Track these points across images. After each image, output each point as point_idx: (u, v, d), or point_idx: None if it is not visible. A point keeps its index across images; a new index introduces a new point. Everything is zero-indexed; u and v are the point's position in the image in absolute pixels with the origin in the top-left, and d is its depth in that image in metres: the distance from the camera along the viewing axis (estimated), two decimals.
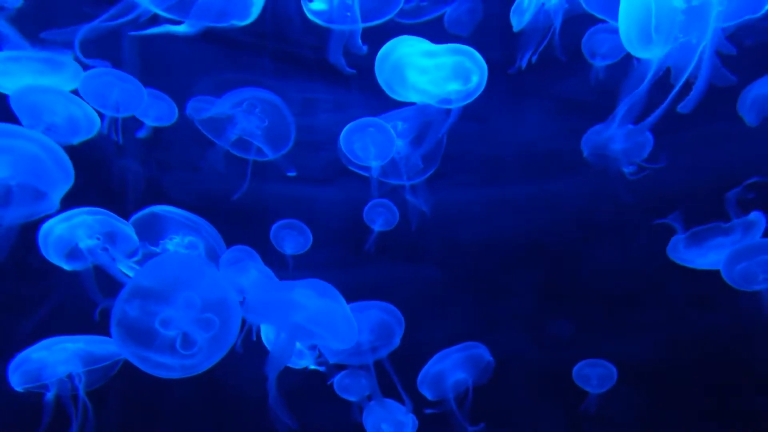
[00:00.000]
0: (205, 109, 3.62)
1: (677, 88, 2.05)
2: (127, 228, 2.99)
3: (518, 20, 3.39)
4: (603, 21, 3.59)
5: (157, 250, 2.95)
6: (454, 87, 2.59)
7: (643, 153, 3.31)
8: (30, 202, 2.27)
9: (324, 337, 2.67)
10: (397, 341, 3.08)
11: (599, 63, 3.59)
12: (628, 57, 3.50)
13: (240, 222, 3.60)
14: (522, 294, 4.00)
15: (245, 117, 3.57)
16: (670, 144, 3.33)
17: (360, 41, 2.95)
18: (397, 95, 2.68)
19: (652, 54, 2.09)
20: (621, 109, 2.19)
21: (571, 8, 3.35)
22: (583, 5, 2.45)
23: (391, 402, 3.26)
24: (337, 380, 3.67)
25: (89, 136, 2.66)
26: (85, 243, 2.82)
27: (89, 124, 2.53)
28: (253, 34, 3.84)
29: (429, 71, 2.56)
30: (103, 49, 2.69)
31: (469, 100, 2.65)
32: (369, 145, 3.20)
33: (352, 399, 3.70)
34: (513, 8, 3.42)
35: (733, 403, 3.74)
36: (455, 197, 3.88)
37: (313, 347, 3.21)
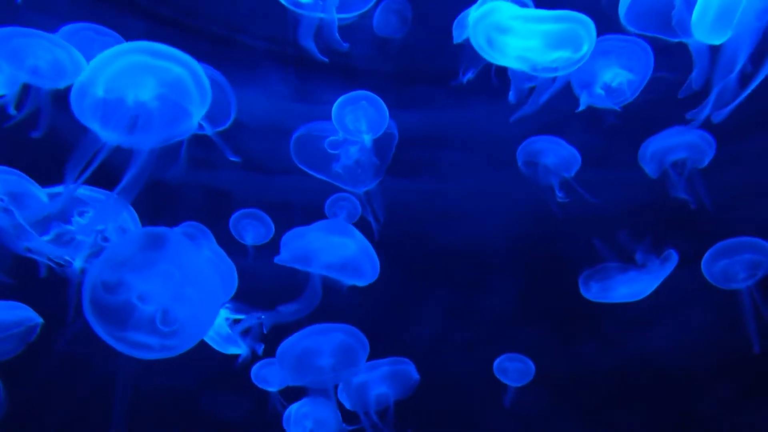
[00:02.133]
0: None
1: (759, 79, 2.14)
2: (37, 191, 2.79)
3: (458, 34, 3.52)
4: None
5: (72, 228, 2.77)
6: (561, 55, 2.44)
7: (571, 170, 3.55)
8: (171, 124, 2.15)
9: (346, 276, 2.66)
10: (361, 367, 3.05)
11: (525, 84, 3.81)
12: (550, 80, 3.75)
13: (203, 210, 3.45)
14: (494, 294, 4.14)
15: None
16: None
17: (337, 35, 2.94)
18: (493, 60, 2.52)
19: (718, 40, 2.14)
20: (712, 96, 2.27)
21: None
22: (623, 22, 2.54)
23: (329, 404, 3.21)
24: (255, 370, 3.61)
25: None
26: None
27: (75, 67, 2.36)
28: (275, 42, 3.73)
29: (532, 37, 2.41)
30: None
31: (573, 68, 2.51)
32: (361, 118, 3.18)
33: (269, 389, 3.66)
34: (456, 21, 3.55)
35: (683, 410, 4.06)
36: (420, 194, 3.95)
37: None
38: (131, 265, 2.09)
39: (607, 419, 4.06)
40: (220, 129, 3.52)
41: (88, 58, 2.49)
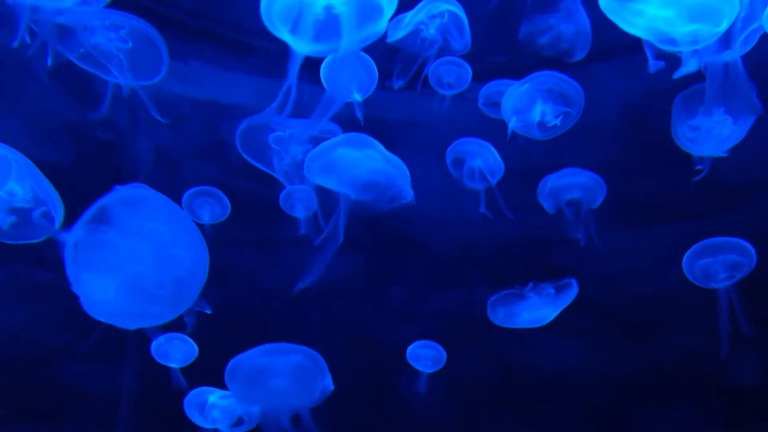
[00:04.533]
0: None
1: None
2: None
3: (393, 33, 3.53)
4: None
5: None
6: (698, 28, 2.30)
7: (494, 177, 3.69)
8: (364, 24, 2.01)
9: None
10: (316, 393, 2.78)
11: (446, 92, 3.87)
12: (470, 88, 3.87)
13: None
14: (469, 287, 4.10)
15: (103, 32, 3.10)
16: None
17: None
18: (620, 24, 2.35)
19: None
20: None
21: (446, 45, 3.61)
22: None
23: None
24: (155, 345, 3.35)
25: None
26: None
27: None
28: None
29: (670, 6, 2.26)
30: None
31: (708, 43, 2.37)
32: (351, 77, 3.04)
33: (171, 365, 3.41)
34: (393, 21, 3.56)
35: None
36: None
37: None
38: (115, 225, 1.87)
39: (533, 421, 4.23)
40: (142, 83, 3.26)
41: None
